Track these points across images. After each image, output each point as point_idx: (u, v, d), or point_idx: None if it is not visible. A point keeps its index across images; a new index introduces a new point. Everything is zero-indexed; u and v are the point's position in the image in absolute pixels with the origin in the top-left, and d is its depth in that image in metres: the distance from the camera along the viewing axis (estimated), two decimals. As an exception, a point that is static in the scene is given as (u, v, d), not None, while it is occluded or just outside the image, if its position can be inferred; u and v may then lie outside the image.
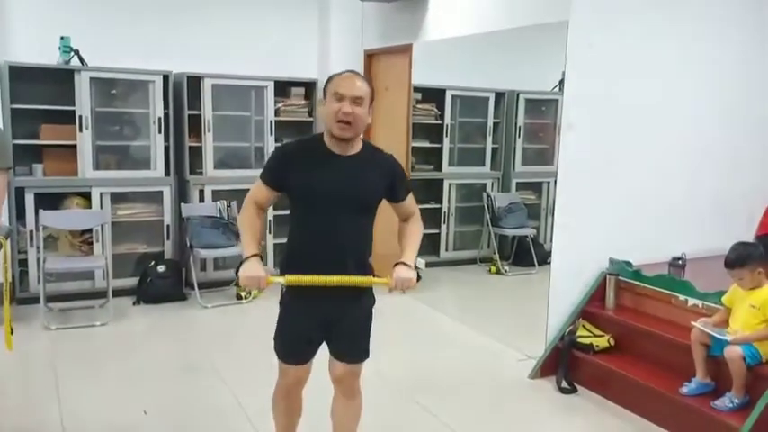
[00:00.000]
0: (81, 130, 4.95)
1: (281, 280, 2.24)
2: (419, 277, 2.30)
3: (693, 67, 4.22)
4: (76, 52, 5.00)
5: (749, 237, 4.48)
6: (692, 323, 3.22)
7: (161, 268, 5.14)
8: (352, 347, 2.45)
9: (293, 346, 2.42)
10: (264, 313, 4.72)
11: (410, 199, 2.47)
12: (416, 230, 2.46)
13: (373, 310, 2.48)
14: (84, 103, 4.94)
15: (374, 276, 2.38)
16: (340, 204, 2.27)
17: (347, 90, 2.24)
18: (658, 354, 3.53)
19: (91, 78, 4.96)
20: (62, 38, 4.96)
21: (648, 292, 3.77)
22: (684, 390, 3.21)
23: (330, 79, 2.33)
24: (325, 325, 2.39)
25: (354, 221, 2.33)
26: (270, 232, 5.68)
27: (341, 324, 2.39)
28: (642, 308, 3.81)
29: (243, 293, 5.26)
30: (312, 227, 2.32)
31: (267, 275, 2.23)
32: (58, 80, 4.96)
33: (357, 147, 2.35)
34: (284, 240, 2.49)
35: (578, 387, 3.72)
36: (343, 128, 2.24)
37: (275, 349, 2.45)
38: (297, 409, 2.59)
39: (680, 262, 3.80)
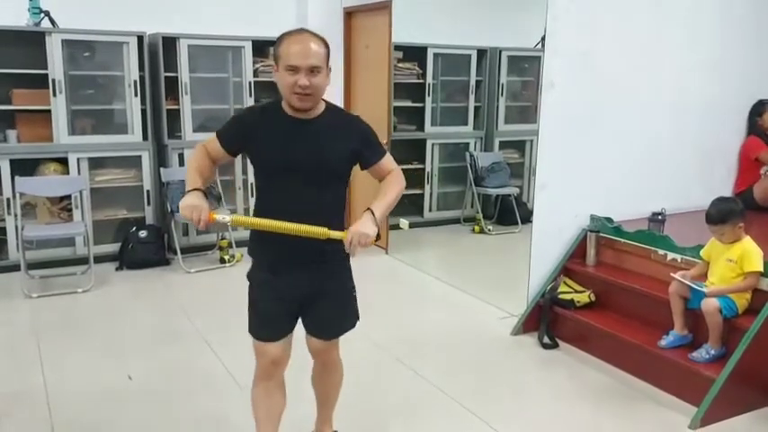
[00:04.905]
0: (54, 94, 4.83)
1: (228, 218, 2.06)
2: (378, 236, 2.12)
3: (673, 22, 4.18)
4: (47, 13, 4.86)
5: (727, 192, 4.54)
6: (672, 275, 3.27)
7: (143, 234, 5.11)
8: (329, 325, 2.33)
9: (265, 321, 2.28)
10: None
11: (386, 159, 2.27)
12: (394, 183, 2.25)
13: (355, 286, 2.36)
14: (56, 67, 4.81)
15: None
16: (305, 173, 2.13)
17: (301, 60, 2.03)
18: (638, 308, 3.58)
19: (63, 40, 4.81)
20: (31, -1, 4.81)
21: (629, 247, 3.81)
22: (663, 342, 3.26)
23: (279, 42, 2.10)
24: (296, 300, 2.25)
25: (322, 191, 2.17)
26: (252, 195, 5.65)
27: (314, 302, 2.26)
28: (622, 263, 3.85)
29: (227, 257, 5.25)
30: (277, 198, 2.17)
31: (210, 209, 2.05)
32: (28, 43, 4.81)
33: (319, 110, 2.17)
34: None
35: (560, 342, 3.78)
36: (301, 98, 2.08)
37: (249, 329, 2.31)
38: (277, 398, 2.40)
39: (659, 217, 3.82)
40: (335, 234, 2.08)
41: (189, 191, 2.10)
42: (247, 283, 2.34)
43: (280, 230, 2.05)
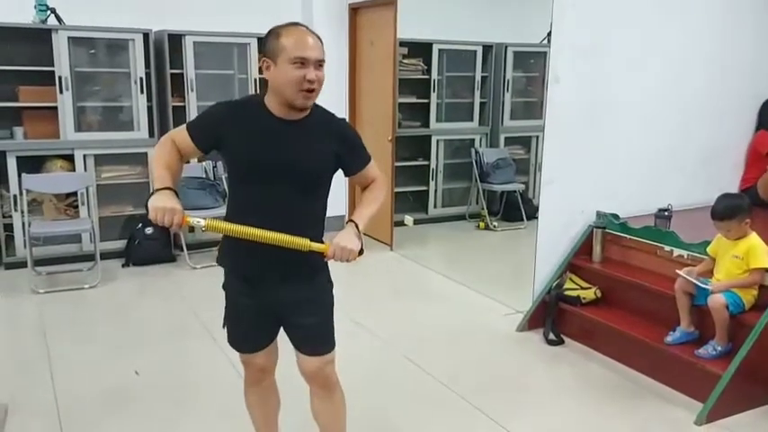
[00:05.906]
0: (61, 91, 4.85)
1: (202, 222, 1.87)
2: (361, 251, 1.98)
3: (679, 17, 4.16)
4: (53, 11, 4.88)
5: (734, 188, 4.52)
6: (677, 271, 3.26)
7: (149, 230, 5.12)
8: (317, 335, 2.14)
9: (243, 333, 2.18)
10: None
11: (371, 166, 2.15)
12: (378, 193, 2.15)
13: (334, 295, 2.18)
14: (63, 64, 4.83)
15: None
16: (286, 178, 1.96)
17: (311, 53, 1.89)
18: (644, 304, 3.57)
19: (69, 38, 4.83)
20: (37, -4, 4.82)
21: (635, 244, 3.80)
22: (669, 339, 3.26)
23: (277, 35, 1.91)
24: (277, 308, 2.10)
25: (304, 198, 2.01)
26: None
27: (295, 308, 2.09)
28: (628, 260, 3.84)
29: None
30: (254, 205, 1.99)
31: (183, 211, 1.85)
32: (35, 40, 4.83)
33: (305, 111, 2.00)
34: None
35: (565, 339, 3.78)
36: (307, 96, 1.91)
37: (229, 341, 2.23)
38: (272, 400, 2.37)
39: (666, 213, 3.81)
40: (317, 246, 1.95)
41: (158, 189, 1.89)
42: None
43: (258, 239, 1.89)
